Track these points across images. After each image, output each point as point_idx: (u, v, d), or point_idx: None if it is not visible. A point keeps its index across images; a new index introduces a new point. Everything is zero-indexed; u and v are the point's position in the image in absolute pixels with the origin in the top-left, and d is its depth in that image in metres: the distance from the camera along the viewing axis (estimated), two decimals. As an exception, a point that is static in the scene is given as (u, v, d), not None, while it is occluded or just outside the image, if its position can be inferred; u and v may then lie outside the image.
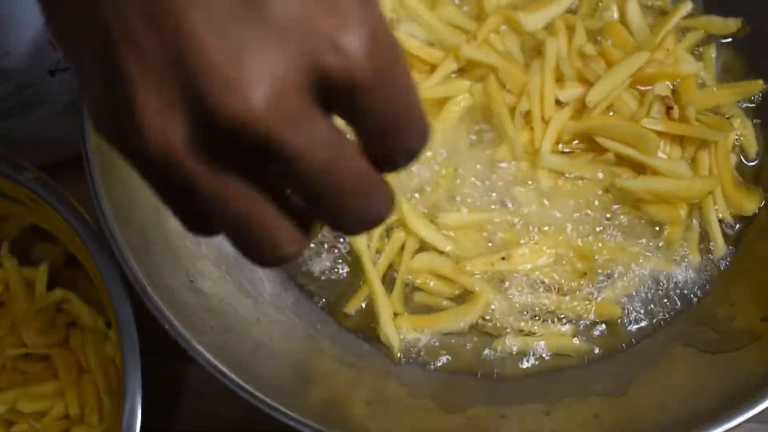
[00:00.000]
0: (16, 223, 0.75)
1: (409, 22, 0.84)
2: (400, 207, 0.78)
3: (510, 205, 0.76)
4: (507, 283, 0.74)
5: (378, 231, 0.80)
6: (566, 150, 0.76)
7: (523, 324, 0.73)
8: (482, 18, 0.83)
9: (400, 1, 0.84)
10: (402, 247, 0.79)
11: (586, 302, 0.73)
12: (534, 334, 0.73)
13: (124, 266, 0.61)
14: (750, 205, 0.74)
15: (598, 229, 0.75)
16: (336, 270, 0.81)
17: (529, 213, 0.77)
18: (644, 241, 0.74)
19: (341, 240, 0.82)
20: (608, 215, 0.75)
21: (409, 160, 0.34)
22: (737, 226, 0.75)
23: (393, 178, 0.34)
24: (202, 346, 0.60)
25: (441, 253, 0.78)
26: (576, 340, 0.73)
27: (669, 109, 0.73)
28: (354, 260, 0.81)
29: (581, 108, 0.75)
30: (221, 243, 0.78)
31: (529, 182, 0.76)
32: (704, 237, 0.75)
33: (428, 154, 0.81)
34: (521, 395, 0.68)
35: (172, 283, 0.65)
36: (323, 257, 0.81)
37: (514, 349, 0.73)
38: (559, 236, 0.77)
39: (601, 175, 0.74)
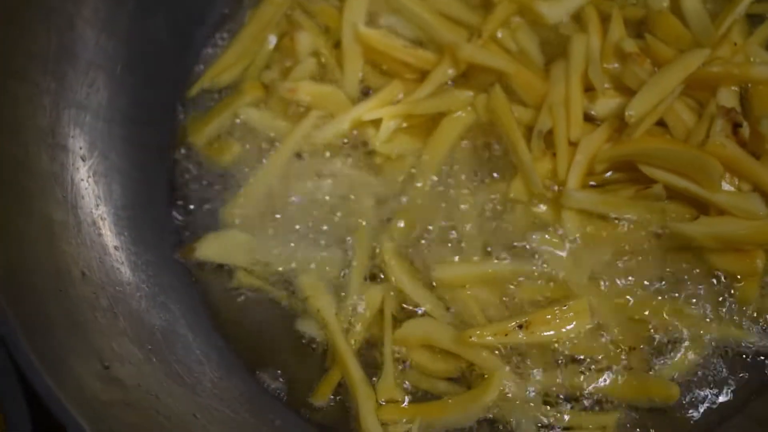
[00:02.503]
0: None
1: (391, 14, 0.75)
2: (383, 251, 0.68)
3: (528, 255, 0.68)
4: (527, 359, 0.66)
5: (351, 288, 0.69)
6: (602, 180, 0.70)
7: (547, 413, 0.65)
8: (488, 8, 0.74)
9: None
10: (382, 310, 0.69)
11: (634, 382, 0.65)
12: (563, 427, 0.65)
13: (13, 350, 0.53)
14: None
15: (646, 285, 0.67)
16: (298, 347, 0.70)
17: (552, 266, 0.67)
18: (708, 300, 0.67)
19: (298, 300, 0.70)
20: (659, 268, 0.68)
21: None
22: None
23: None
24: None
25: (438, 318, 0.68)
26: (620, 434, 0.64)
27: (737, 125, 0.66)
28: (317, 328, 0.69)
29: (620, 126, 0.68)
30: (145, 314, 0.67)
31: (553, 226, 0.69)
32: (788, 293, 0.68)
33: (419, 184, 0.71)
34: None
35: (79, 371, 0.57)
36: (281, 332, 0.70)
37: (536, 449, 0.65)
38: (594, 296, 0.67)
39: (647, 217, 0.67)
